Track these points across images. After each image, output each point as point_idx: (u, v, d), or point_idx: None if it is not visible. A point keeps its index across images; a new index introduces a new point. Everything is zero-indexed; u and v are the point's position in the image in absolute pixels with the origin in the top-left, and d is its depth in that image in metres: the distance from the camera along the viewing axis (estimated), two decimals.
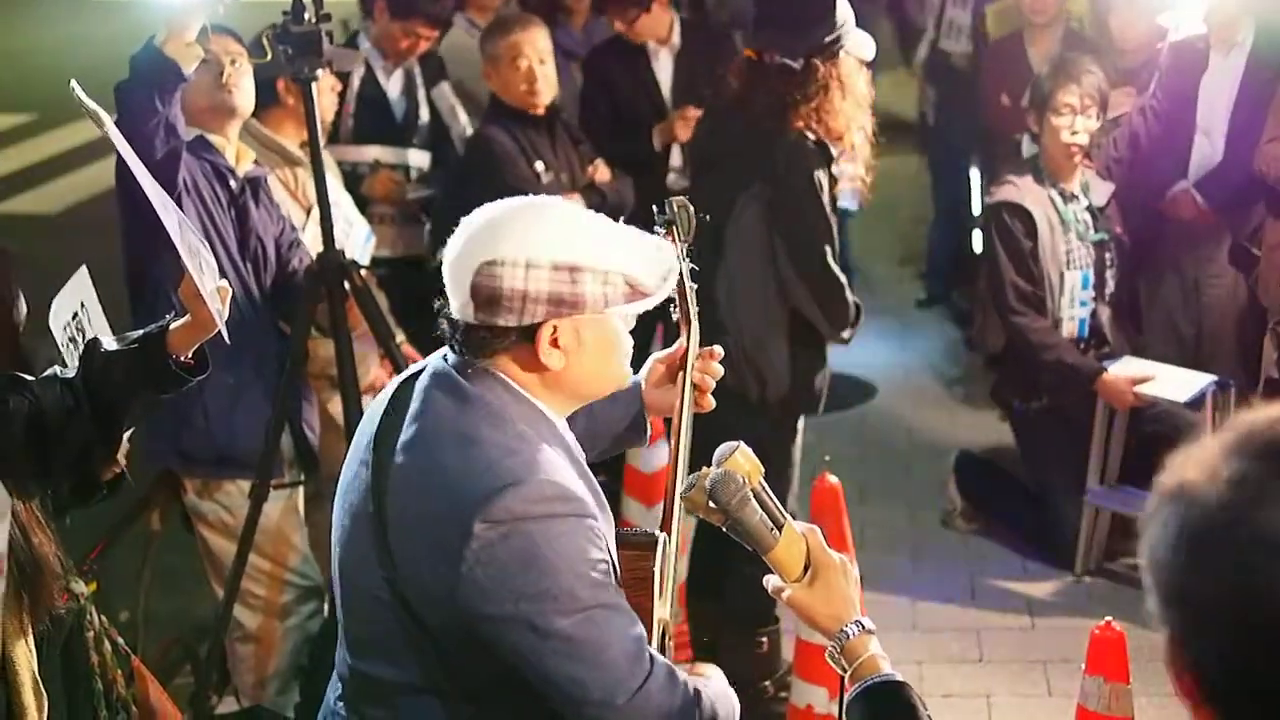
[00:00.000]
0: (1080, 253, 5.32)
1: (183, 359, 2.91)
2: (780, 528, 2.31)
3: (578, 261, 2.25)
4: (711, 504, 2.29)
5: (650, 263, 2.33)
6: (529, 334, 2.28)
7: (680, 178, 6.08)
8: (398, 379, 2.47)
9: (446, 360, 2.38)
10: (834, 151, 4.34)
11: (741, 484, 2.27)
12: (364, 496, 2.34)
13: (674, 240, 2.70)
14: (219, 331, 2.89)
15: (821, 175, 4.31)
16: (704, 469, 2.33)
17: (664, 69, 6.16)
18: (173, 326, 2.89)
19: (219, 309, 2.86)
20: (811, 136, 4.29)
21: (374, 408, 2.45)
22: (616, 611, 2.27)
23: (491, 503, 2.19)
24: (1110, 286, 5.42)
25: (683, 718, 2.32)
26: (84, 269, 3.52)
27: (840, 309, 4.47)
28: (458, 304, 2.30)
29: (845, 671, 2.29)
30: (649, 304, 2.35)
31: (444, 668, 2.32)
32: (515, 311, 2.25)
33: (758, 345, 4.47)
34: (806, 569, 2.33)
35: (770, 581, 2.37)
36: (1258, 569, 1.28)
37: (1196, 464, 1.37)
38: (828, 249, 4.37)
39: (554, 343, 2.28)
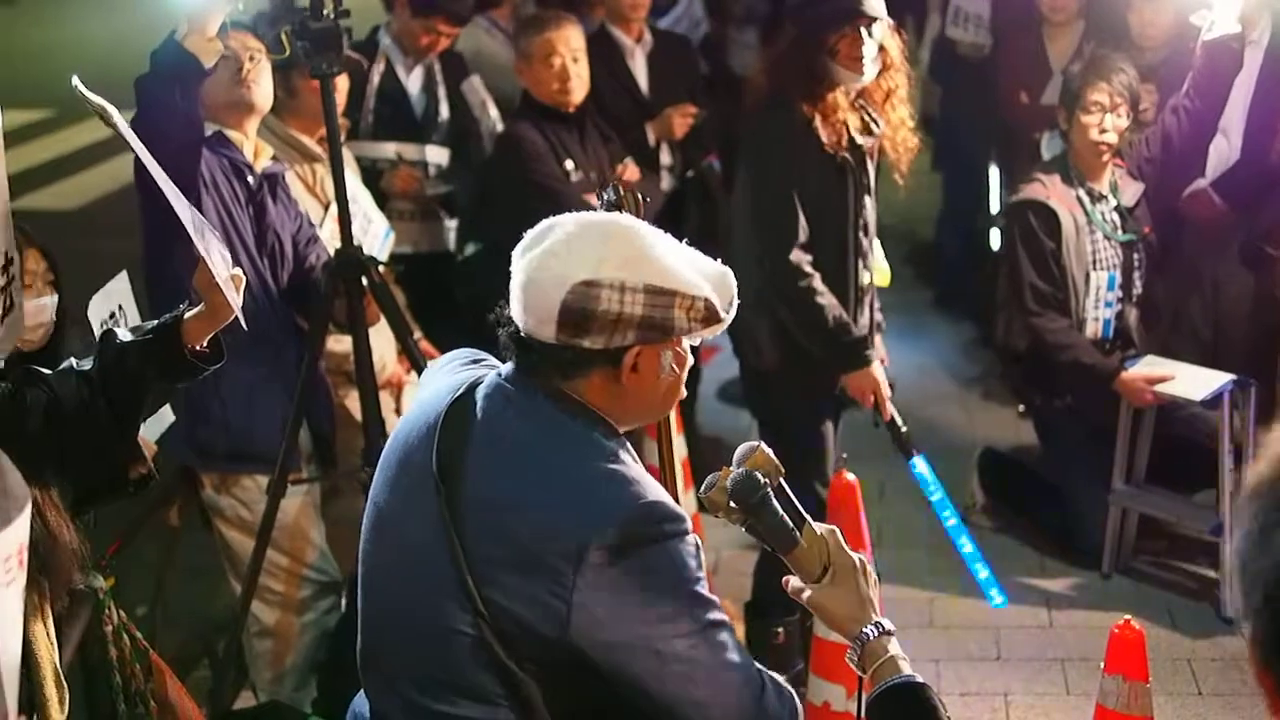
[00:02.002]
0: (1107, 253, 5.29)
1: (197, 348, 2.91)
2: (800, 528, 2.30)
3: (672, 286, 2.21)
4: (732, 504, 2.28)
5: (723, 288, 2.31)
6: (614, 357, 2.24)
7: (670, 176, 6.10)
8: (439, 395, 2.36)
9: (503, 376, 2.31)
10: (824, 137, 4.34)
11: (762, 484, 2.27)
12: (434, 529, 2.24)
13: None
14: (236, 320, 2.89)
15: (798, 157, 4.33)
16: (724, 468, 2.32)
17: (639, 68, 6.22)
18: (187, 316, 2.89)
19: (235, 297, 2.86)
20: (804, 117, 4.31)
21: (416, 425, 2.35)
22: (726, 629, 2.25)
23: (609, 531, 2.13)
24: (1138, 288, 5.38)
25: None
26: (124, 274, 3.55)
27: (806, 313, 4.44)
28: (534, 321, 2.23)
29: (865, 673, 2.28)
30: (719, 330, 2.33)
31: (542, 700, 2.25)
32: (605, 334, 2.20)
33: (749, 312, 4.53)
34: (825, 570, 2.33)
35: (790, 582, 2.36)
36: None
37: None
38: (793, 245, 4.37)
39: (633, 366, 2.25)
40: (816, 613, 2.34)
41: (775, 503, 2.28)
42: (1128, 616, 3.39)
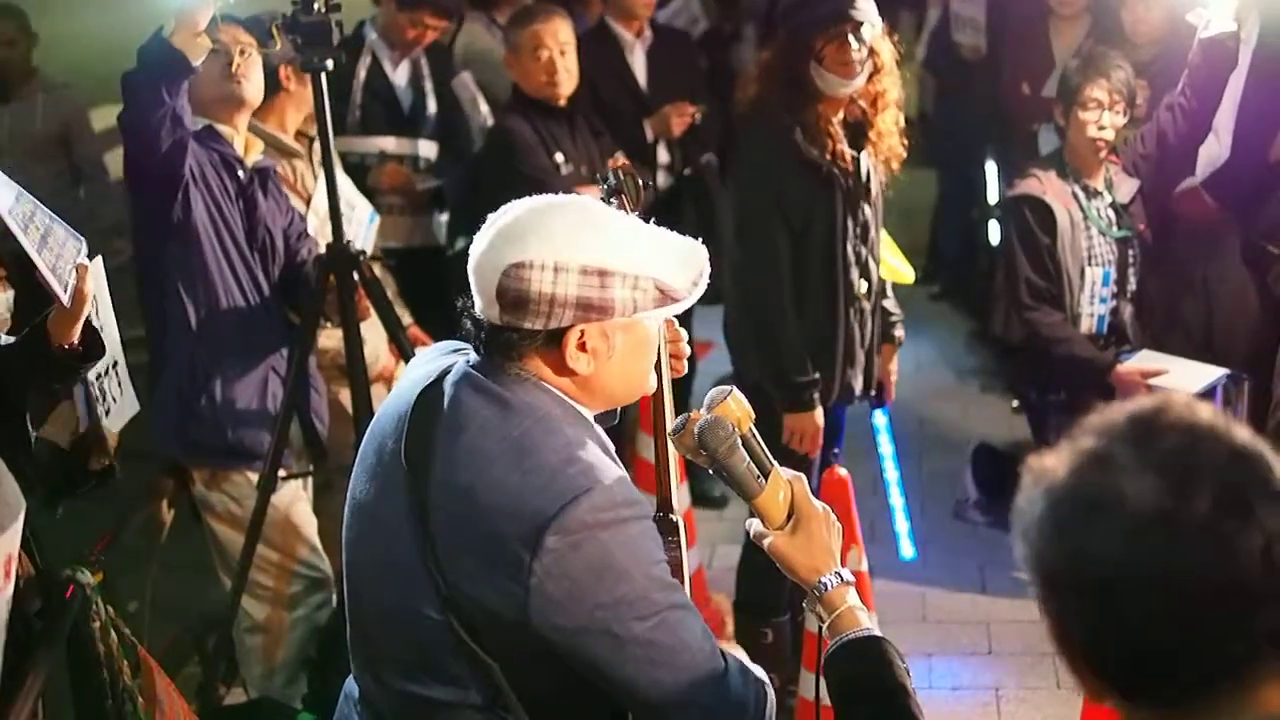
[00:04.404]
0: (1102, 249, 5.28)
1: (68, 346, 2.89)
2: (766, 474, 2.32)
3: (607, 266, 2.19)
4: (701, 449, 2.29)
5: (682, 266, 2.27)
6: (556, 338, 2.23)
7: (668, 176, 6.09)
8: (414, 384, 2.37)
9: (470, 363, 2.31)
10: (807, 149, 4.33)
11: (731, 430, 2.28)
12: (403, 515, 2.26)
13: (625, 210, 2.58)
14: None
15: (778, 172, 4.32)
16: (694, 411, 2.34)
17: (639, 63, 6.21)
18: (52, 316, 2.87)
19: (66, 282, 2.81)
20: (786, 128, 4.31)
21: (390, 415, 2.37)
22: (687, 611, 2.25)
23: (564, 514, 2.13)
24: (1133, 284, 5.37)
25: (757, 708, 2.30)
26: (99, 259, 3.53)
27: (765, 336, 4.41)
28: (482, 303, 2.24)
29: (824, 621, 2.29)
30: (679, 309, 2.31)
31: (508, 683, 2.26)
32: (542, 315, 2.19)
33: (731, 322, 4.66)
34: (789, 518, 2.33)
35: (752, 526, 2.37)
36: (1079, 530, 1.28)
37: (1056, 451, 1.43)
38: (763, 268, 4.37)
39: (581, 346, 2.23)
40: (777, 559, 2.33)
41: (742, 450, 2.28)
42: None
